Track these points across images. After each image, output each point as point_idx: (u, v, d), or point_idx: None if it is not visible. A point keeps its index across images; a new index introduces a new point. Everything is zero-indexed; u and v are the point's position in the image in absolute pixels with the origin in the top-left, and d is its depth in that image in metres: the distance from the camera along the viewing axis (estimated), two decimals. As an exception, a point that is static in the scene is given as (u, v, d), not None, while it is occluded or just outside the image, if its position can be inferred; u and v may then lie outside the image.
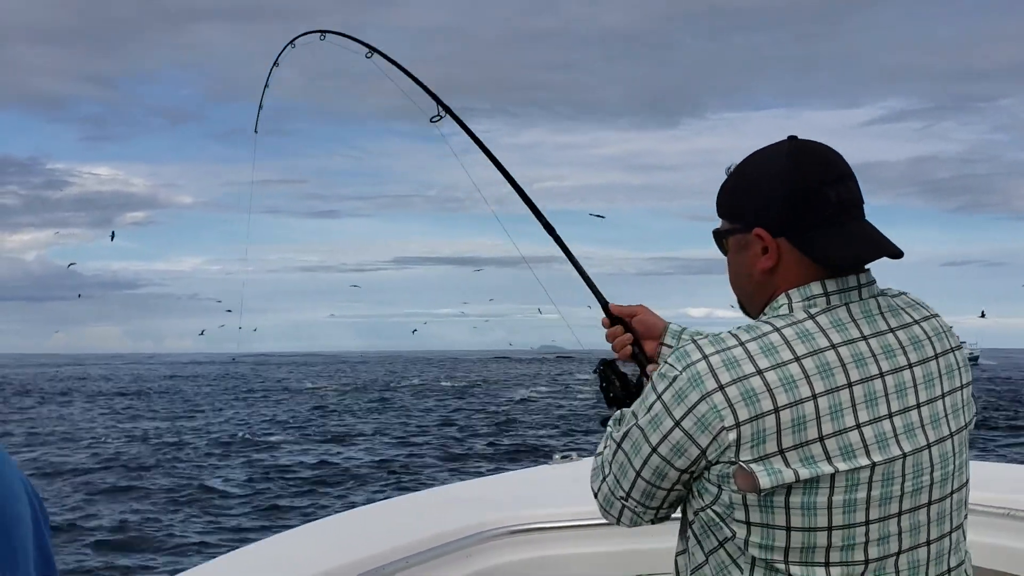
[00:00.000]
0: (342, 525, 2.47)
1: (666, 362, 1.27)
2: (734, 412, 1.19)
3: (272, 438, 22.42)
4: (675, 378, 1.24)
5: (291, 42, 2.44)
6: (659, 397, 1.25)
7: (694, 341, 1.26)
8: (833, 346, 1.22)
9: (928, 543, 1.25)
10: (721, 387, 1.20)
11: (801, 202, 1.26)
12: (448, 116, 2.07)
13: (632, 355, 1.68)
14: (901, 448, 1.22)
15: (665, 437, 1.24)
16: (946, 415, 1.28)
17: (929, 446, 1.24)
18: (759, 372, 1.19)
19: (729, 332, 1.26)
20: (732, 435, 1.19)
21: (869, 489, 1.20)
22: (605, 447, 1.40)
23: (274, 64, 2.53)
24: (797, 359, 1.20)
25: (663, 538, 1.67)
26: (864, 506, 1.20)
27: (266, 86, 2.61)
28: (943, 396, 1.28)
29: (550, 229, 1.90)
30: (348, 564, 2.02)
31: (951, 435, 1.28)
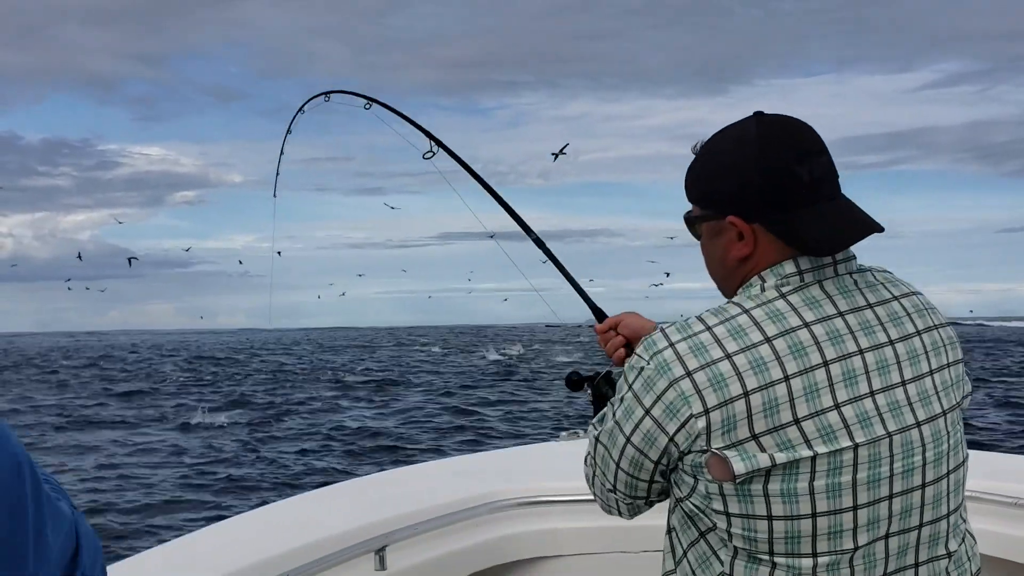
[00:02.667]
0: (356, 491, 2.54)
1: (635, 352, 1.25)
2: (702, 398, 1.15)
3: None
4: (642, 368, 1.21)
5: (300, 109, 2.63)
6: (630, 387, 1.23)
7: (661, 330, 1.23)
8: (806, 324, 1.18)
9: (920, 526, 1.20)
10: (688, 373, 1.17)
11: (773, 184, 1.20)
12: (442, 151, 2.19)
13: (624, 359, 1.67)
14: (886, 427, 1.17)
15: (637, 426, 1.22)
16: (936, 392, 1.23)
17: (919, 424, 1.19)
18: (727, 356, 1.16)
19: (697, 317, 1.22)
20: (701, 422, 1.15)
21: (855, 472, 1.15)
22: (589, 444, 1.39)
23: (287, 132, 2.72)
24: (767, 340, 1.16)
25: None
26: (851, 490, 1.15)
27: (282, 152, 2.82)
28: (931, 373, 1.23)
29: (540, 244, 1.98)
30: (359, 528, 2.08)
31: (943, 413, 1.23)
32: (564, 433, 2.95)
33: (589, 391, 1.69)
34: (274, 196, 2.89)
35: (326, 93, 2.49)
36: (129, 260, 24.68)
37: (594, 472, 1.37)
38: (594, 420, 1.45)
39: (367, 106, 2.35)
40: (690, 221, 1.34)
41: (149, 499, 10.44)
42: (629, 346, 1.67)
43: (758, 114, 1.26)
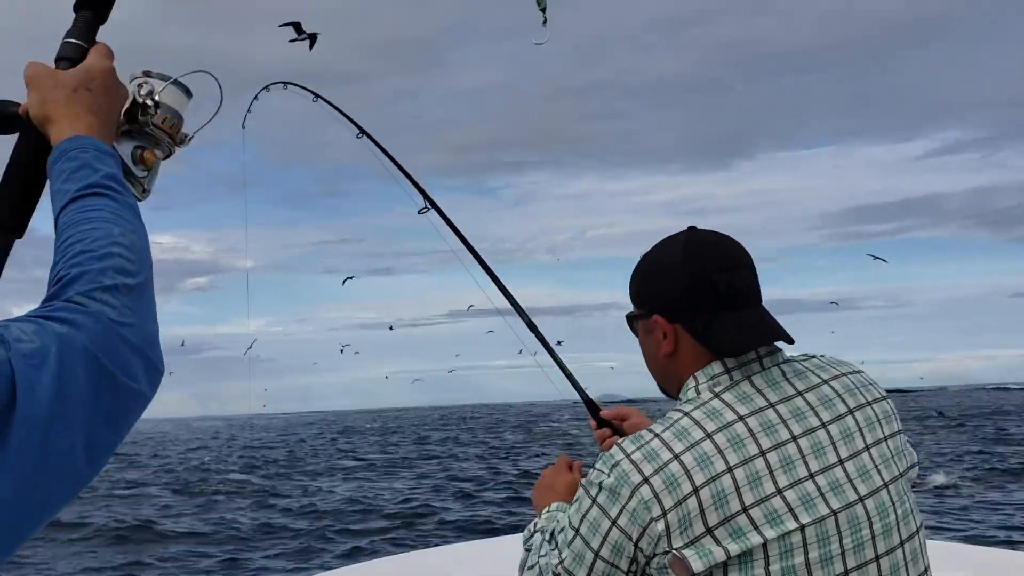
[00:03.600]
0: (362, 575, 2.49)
1: (593, 468, 1.29)
2: (660, 502, 1.21)
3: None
4: (602, 482, 1.26)
5: (255, 97, 3.08)
6: (594, 501, 1.27)
7: (617, 445, 1.29)
8: (741, 418, 1.25)
9: None
10: (646, 479, 1.22)
11: (692, 290, 1.33)
12: (433, 209, 2.36)
13: None
14: (829, 506, 1.22)
15: (605, 539, 1.26)
16: (875, 466, 1.28)
17: (861, 500, 1.25)
18: (675, 457, 1.23)
19: (647, 429, 1.29)
20: (660, 525, 1.21)
21: (806, 552, 1.20)
22: (540, 558, 1.39)
23: (247, 112, 3.19)
24: (708, 436, 1.24)
25: None
26: (805, 570, 1.20)
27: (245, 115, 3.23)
28: (867, 448, 1.29)
29: (532, 327, 2.09)
30: None
31: (885, 485, 1.28)
32: None
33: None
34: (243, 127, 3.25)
35: (284, 83, 2.90)
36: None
37: None
38: (530, 533, 1.48)
39: (358, 136, 2.60)
40: (629, 319, 1.46)
41: None
42: None
43: (691, 228, 1.39)
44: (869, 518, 1.24)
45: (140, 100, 1.06)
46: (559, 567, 1.32)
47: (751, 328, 1.32)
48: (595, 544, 1.27)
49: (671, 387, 1.40)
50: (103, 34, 1.07)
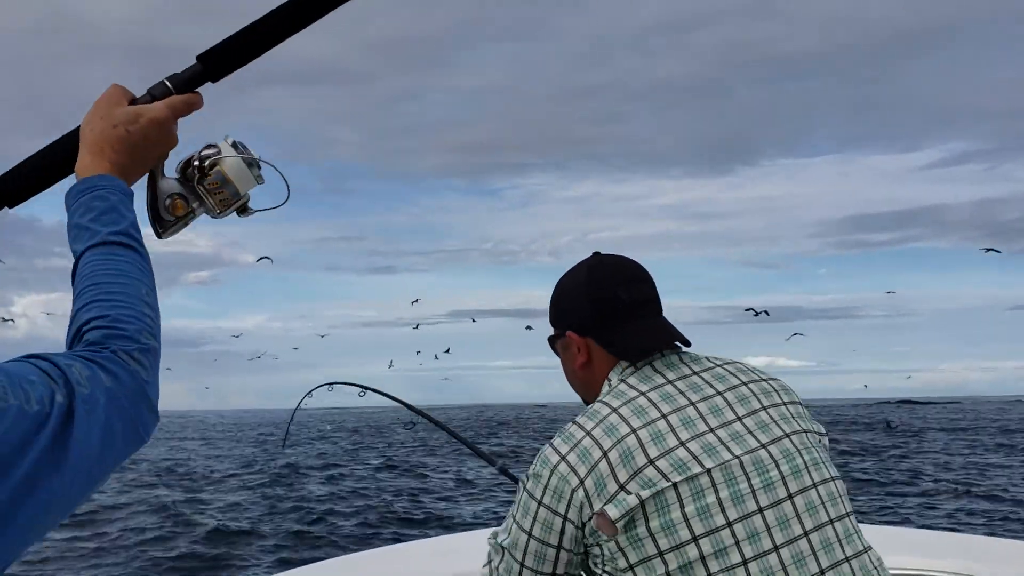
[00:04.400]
0: (343, 569, 2.56)
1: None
2: (575, 472, 1.34)
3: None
4: (531, 471, 1.41)
5: (309, 393, 3.59)
6: (524, 489, 1.41)
7: (548, 442, 1.42)
8: (642, 393, 1.40)
9: (806, 534, 1.30)
10: (563, 457, 1.36)
11: (598, 304, 1.50)
12: (421, 421, 2.91)
13: None
14: (732, 452, 1.33)
15: (535, 519, 1.38)
16: (774, 421, 1.39)
17: (764, 446, 1.35)
18: (587, 433, 1.37)
19: (572, 421, 1.42)
20: (580, 492, 1.33)
21: (716, 492, 1.29)
22: (490, 559, 1.50)
23: (297, 408, 3.66)
24: (614, 410, 1.38)
25: None
26: (718, 508, 1.28)
27: (294, 413, 3.75)
28: (764, 408, 1.41)
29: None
30: None
31: (786, 435, 1.38)
32: None
33: None
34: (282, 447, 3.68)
35: (330, 384, 3.53)
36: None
37: None
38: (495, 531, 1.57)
39: (361, 394, 3.21)
40: (550, 340, 1.62)
41: None
42: None
43: (595, 253, 1.57)
44: (775, 460, 1.34)
45: (195, 160, 1.11)
46: (498, 546, 1.46)
47: (652, 333, 1.48)
48: (526, 525, 1.39)
49: (592, 395, 1.52)
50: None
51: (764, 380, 1.46)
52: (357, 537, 12.49)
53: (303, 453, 28.79)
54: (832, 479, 1.37)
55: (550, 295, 1.61)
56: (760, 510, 1.29)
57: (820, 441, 1.43)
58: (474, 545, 2.69)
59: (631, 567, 1.30)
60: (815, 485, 1.34)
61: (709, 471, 1.30)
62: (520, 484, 1.43)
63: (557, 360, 1.61)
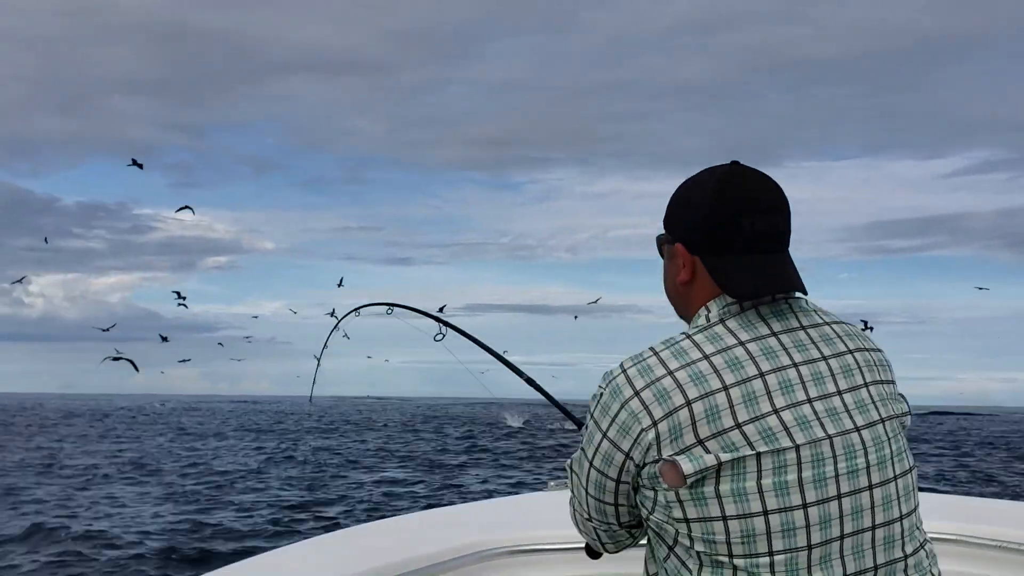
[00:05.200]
0: (341, 541, 2.53)
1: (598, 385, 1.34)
2: (649, 412, 1.24)
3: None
4: (600, 395, 1.31)
5: (356, 310, 3.60)
6: (591, 416, 1.33)
7: (619, 363, 1.33)
8: (741, 343, 1.27)
9: (873, 527, 1.25)
10: (636, 392, 1.26)
11: (716, 227, 1.32)
12: (451, 331, 2.94)
13: None
14: (825, 430, 1.23)
15: (597, 449, 1.32)
16: (873, 402, 1.30)
17: (858, 429, 1.26)
18: (669, 372, 1.25)
19: (648, 347, 1.32)
20: (651, 434, 1.24)
21: (799, 470, 1.21)
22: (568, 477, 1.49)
23: (334, 328, 3.73)
24: (706, 357, 1.26)
25: None
26: (797, 487, 1.21)
27: (325, 346, 3.80)
28: (866, 385, 1.30)
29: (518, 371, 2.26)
30: None
31: (881, 420, 1.29)
32: (553, 483, 2.94)
33: None
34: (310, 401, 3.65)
35: (390, 304, 3.43)
36: (162, 337, 24.51)
37: (574, 506, 1.45)
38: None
39: (388, 311, 3.17)
40: (658, 241, 1.47)
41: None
42: None
43: (734, 163, 1.38)
44: (864, 447, 1.26)
45: None
46: (569, 472, 1.43)
47: (768, 275, 1.31)
48: (589, 453, 1.33)
49: (685, 313, 1.41)
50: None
51: (870, 351, 1.35)
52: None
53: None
54: (910, 469, 1.32)
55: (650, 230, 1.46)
56: (839, 496, 1.22)
57: (904, 426, 1.36)
58: (473, 519, 2.73)
59: (686, 520, 1.25)
60: (895, 478, 1.28)
61: (798, 447, 1.21)
62: (589, 405, 1.35)
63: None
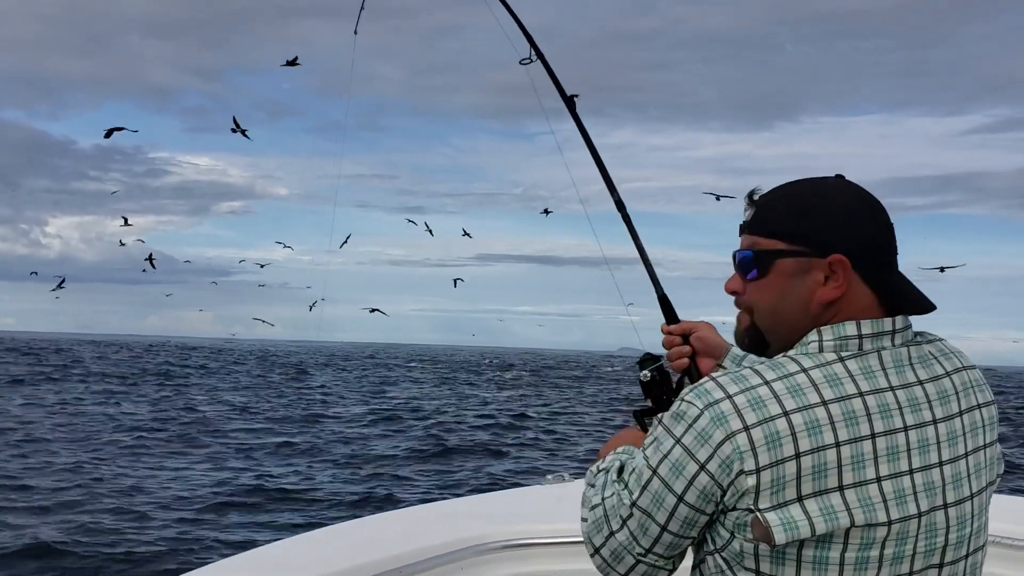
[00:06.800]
0: (341, 534, 2.54)
1: (682, 400, 1.21)
2: (755, 456, 1.14)
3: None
4: (697, 417, 1.18)
5: None
6: (678, 441, 1.20)
7: (713, 379, 1.21)
8: (861, 394, 1.18)
9: None
10: (746, 428, 1.15)
11: (883, 241, 1.25)
12: (539, 60, 2.19)
13: (686, 369, 1.69)
14: (918, 507, 1.18)
15: (691, 483, 1.19)
16: (968, 475, 1.24)
17: (946, 506, 1.21)
18: (785, 414, 1.15)
19: (751, 369, 1.20)
20: (751, 480, 1.15)
21: (883, 548, 1.16)
22: (604, 498, 1.31)
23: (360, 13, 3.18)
24: (824, 403, 1.16)
25: None
26: (876, 565, 1.16)
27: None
28: (966, 455, 1.25)
29: (621, 207, 2.05)
30: (342, 571, 2.09)
31: (971, 496, 1.24)
32: (549, 476, 2.94)
33: (646, 371, 1.68)
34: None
35: None
36: (151, 261, 23.46)
37: (612, 530, 1.29)
38: (598, 469, 1.41)
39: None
40: (767, 254, 1.28)
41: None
42: (694, 358, 1.68)
43: (840, 176, 1.30)
44: (948, 527, 1.21)
45: None
46: (632, 508, 1.25)
47: (916, 293, 1.26)
48: (679, 488, 1.20)
49: (782, 340, 1.28)
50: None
51: (979, 408, 1.29)
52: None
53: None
54: (983, 547, 1.28)
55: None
56: (911, 574, 1.19)
57: (993, 490, 1.30)
58: (470, 513, 2.72)
59: (757, 572, 1.18)
60: (967, 556, 1.24)
61: (891, 524, 1.16)
62: (666, 430, 1.22)
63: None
